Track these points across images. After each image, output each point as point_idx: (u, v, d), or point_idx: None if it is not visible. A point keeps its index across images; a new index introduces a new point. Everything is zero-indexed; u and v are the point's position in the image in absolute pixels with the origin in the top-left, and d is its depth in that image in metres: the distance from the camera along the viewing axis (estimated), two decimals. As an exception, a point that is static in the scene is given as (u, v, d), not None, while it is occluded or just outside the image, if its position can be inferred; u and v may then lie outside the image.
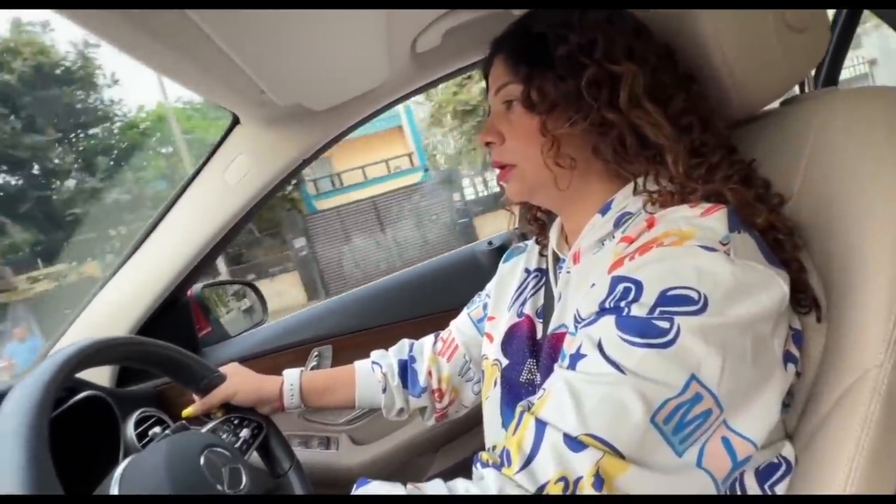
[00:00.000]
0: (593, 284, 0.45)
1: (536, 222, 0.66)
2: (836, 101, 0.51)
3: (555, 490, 0.35)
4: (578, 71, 0.47)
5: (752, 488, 0.43)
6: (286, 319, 1.14)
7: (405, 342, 0.78)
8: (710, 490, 0.38)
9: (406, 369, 0.75)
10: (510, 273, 0.68)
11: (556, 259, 0.60)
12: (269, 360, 1.04)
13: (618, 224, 0.50)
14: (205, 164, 0.83)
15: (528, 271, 0.65)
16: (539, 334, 0.58)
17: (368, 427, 1.08)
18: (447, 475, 0.40)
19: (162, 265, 0.88)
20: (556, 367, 0.43)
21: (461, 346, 0.73)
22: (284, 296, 8.91)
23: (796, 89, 0.65)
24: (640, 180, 0.49)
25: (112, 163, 10.69)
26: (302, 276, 9.49)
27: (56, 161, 10.22)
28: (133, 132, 10.93)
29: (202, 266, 0.93)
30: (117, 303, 0.89)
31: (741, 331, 0.38)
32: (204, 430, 0.64)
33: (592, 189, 0.53)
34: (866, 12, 1.21)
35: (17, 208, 9.66)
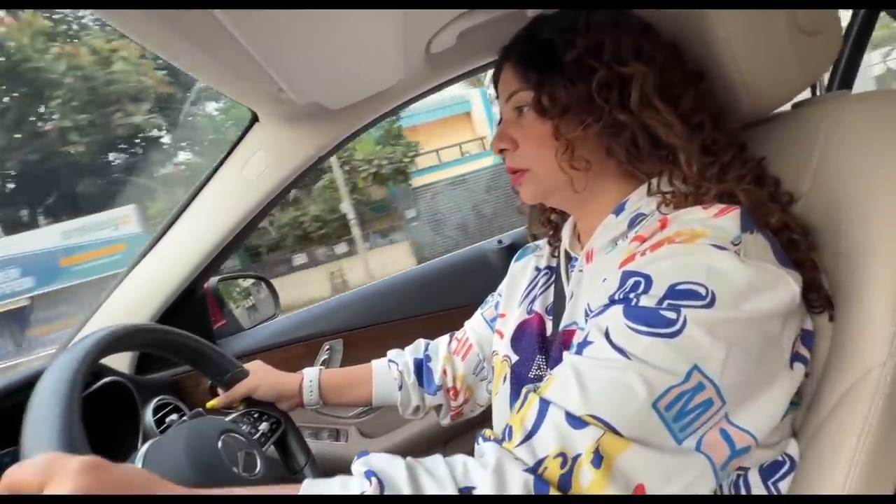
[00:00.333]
0: (605, 279, 0.46)
1: (550, 224, 0.67)
2: (848, 103, 0.52)
3: (552, 465, 0.36)
4: (588, 74, 0.48)
5: (756, 485, 0.44)
6: (299, 313, 1.16)
7: (421, 342, 0.80)
8: (708, 473, 0.38)
9: (422, 367, 0.76)
10: (521, 271, 0.69)
11: (568, 258, 0.61)
12: (281, 352, 1.07)
13: (632, 224, 0.50)
14: (224, 160, 0.86)
15: (538, 269, 0.66)
16: (549, 331, 0.59)
17: (377, 420, 1.10)
18: None
19: (181, 258, 0.91)
20: (563, 354, 0.44)
21: (475, 346, 0.74)
22: (398, 263, 9.17)
23: (808, 92, 0.65)
24: (654, 181, 0.50)
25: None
26: (412, 244, 9.90)
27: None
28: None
29: (219, 259, 0.95)
30: (138, 293, 0.91)
31: (748, 327, 0.39)
32: (226, 420, 0.66)
33: (606, 190, 0.53)
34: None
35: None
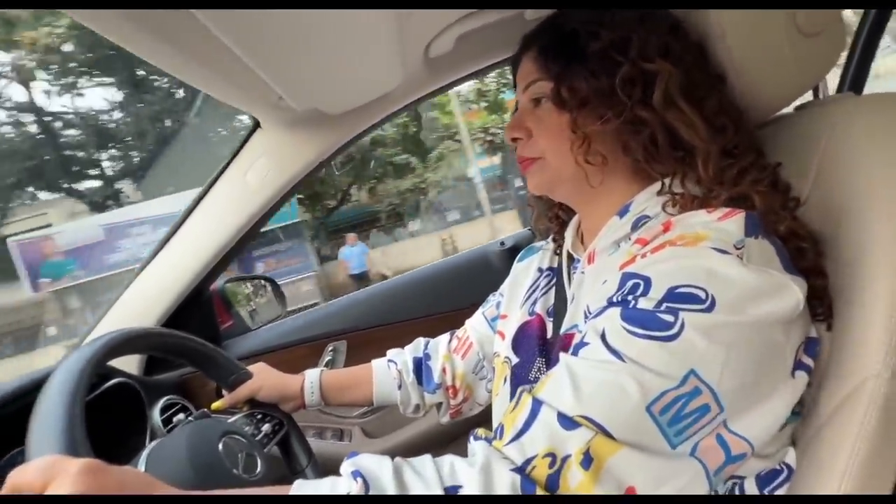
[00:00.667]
0: (605, 281, 0.46)
1: (557, 220, 0.66)
2: (852, 106, 0.51)
3: (541, 465, 0.36)
4: (612, 68, 0.47)
5: (752, 492, 0.44)
6: (304, 314, 1.18)
7: (420, 340, 0.80)
8: (701, 478, 0.38)
9: (421, 366, 0.77)
10: (524, 272, 0.69)
11: (570, 260, 0.61)
12: (286, 353, 1.08)
13: (635, 227, 0.50)
14: (227, 166, 0.87)
15: (540, 270, 0.66)
16: (549, 333, 0.59)
17: (380, 421, 1.11)
18: None
19: (187, 261, 0.93)
20: (560, 355, 0.44)
21: (475, 344, 0.74)
22: (506, 230, 9.47)
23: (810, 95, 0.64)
24: (666, 181, 0.49)
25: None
26: (519, 212, 10.26)
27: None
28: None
29: (225, 262, 0.97)
30: (146, 296, 0.94)
31: (748, 333, 0.38)
32: (229, 421, 0.68)
33: (615, 187, 0.53)
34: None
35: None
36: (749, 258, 0.40)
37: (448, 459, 0.39)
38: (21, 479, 0.36)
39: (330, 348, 1.11)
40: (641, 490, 0.36)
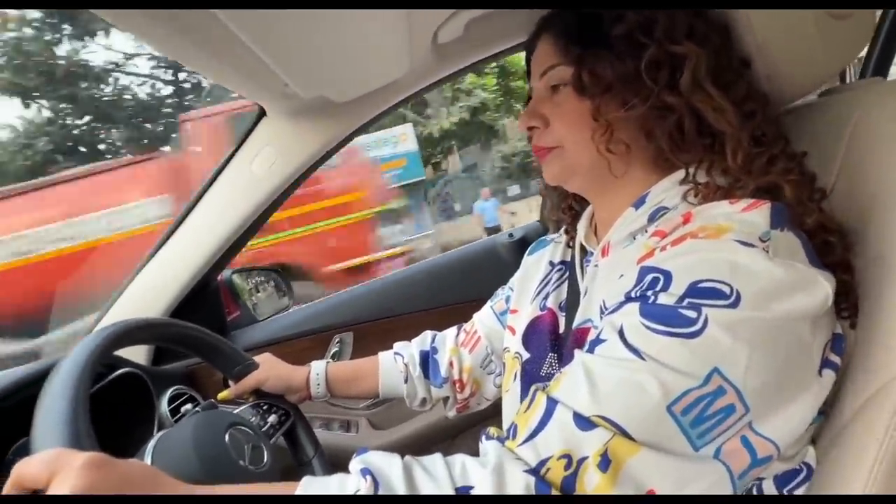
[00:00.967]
0: (622, 276, 0.44)
1: (570, 211, 0.64)
2: (881, 90, 0.49)
3: (556, 466, 0.35)
4: (637, 51, 0.45)
5: (770, 492, 0.42)
6: (310, 306, 1.17)
7: (427, 333, 0.79)
8: (725, 482, 0.37)
9: (427, 360, 0.76)
10: (534, 266, 0.67)
11: (583, 252, 0.59)
12: (292, 344, 1.08)
13: (652, 219, 0.48)
14: (232, 155, 0.86)
15: (552, 264, 0.64)
16: (562, 328, 0.57)
17: (387, 413, 1.11)
18: None
19: (194, 251, 0.92)
20: (575, 352, 0.43)
21: (483, 339, 0.73)
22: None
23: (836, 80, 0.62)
24: (690, 169, 0.47)
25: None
26: None
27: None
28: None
29: (231, 252, 0.97)
30: (153, 286, 0.93)
31: (774, 329, 0.36)
32: (235, 412, 0.68)
33: (633, 177, 0.51)
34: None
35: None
36: (775, 251, 0.38)
37: (459, 459, 0.38)
38: (25, 471, 0.35)
39: (336, 340, 1.10)
40: (661, 493, 0.35)
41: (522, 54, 0.61)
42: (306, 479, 0.38)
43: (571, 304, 0.57)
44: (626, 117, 0.47)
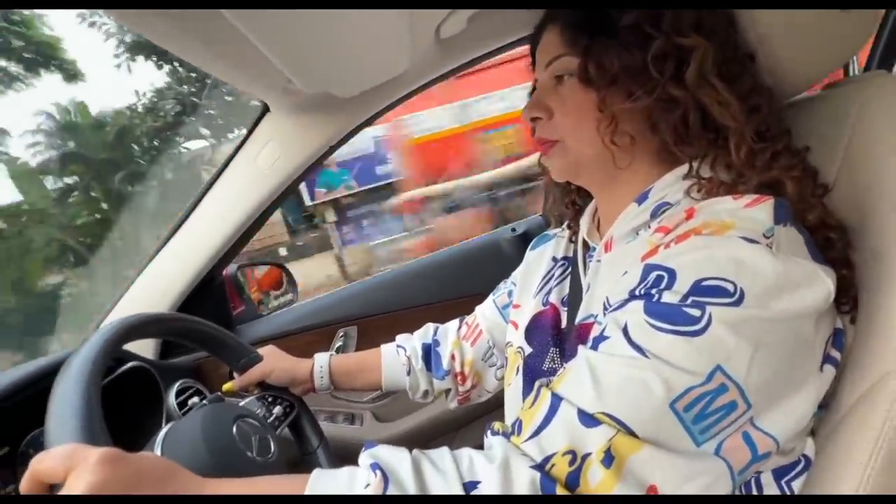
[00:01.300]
0: (625, 272, 0.44)
1: (573, 206, 0.64)
2: (884, 83, 0.48)
3: (561, 462, 0.36)
4: (644, 42, 0.45)
5: (769, 483, 0.43)
6: (315, 300, 1.18)
7: (430, 326, 0.80)
8: (725, 478, 0.37)
9: (430, 352, 0.76)
10: (537, 261, 0.67)
11: (586, 248, 0.59)
12: (297, 338, 1.09)
13: (655, 214, 0.48)
14: (237, 150, 0.87)
15: (555, 259, 0.64)
16: (564, 323, 0.58)
17: (391, 406, 1.12)
18: None
19: (199, 246, 0.93)
20: (579, 348, 0.43)
21: (485, 332, 0.74)
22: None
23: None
24: (694, 164, 0.47)
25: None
26: None
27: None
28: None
29: (237, 247, 0.97)
30: (159, 282, 0.94)
31: (778, 327, 0.36)
32: (240, 404, 0.69)
33: (637, 171, 0.51)
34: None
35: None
36: (778, 247, 0.38)
37: (467, 454, 0.39)
38: (42, 466, 0.36)
39: (341, 334, 1.11)
40: (663, 489, 0.35)
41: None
42: (316, 473, 0.38)
43: (574, 300, 0.57)
44: (630, 109, 0.47)
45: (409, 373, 0.75)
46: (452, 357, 0.74)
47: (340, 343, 1.11)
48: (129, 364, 0.78)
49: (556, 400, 0.38)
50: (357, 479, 0.37)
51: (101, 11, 0.50)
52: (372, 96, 0.83)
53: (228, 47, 0.54)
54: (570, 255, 0.63)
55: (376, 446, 0.40)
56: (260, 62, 0.56)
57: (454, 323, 0.79)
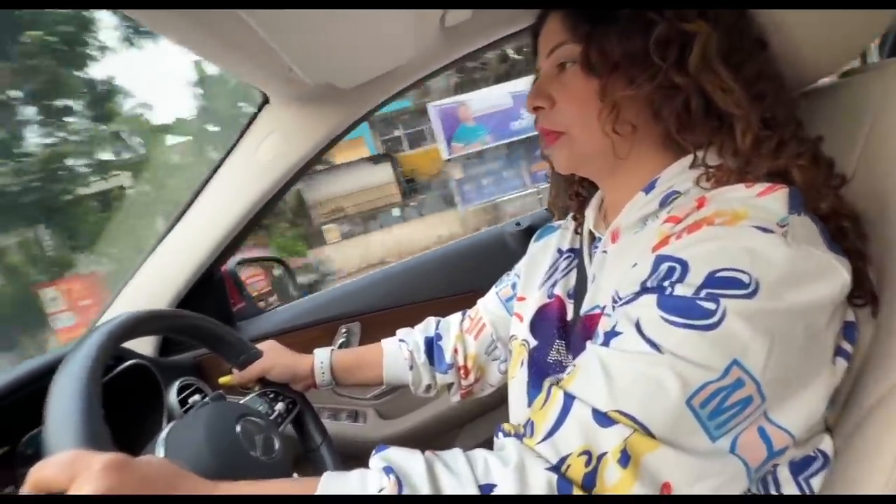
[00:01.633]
0: (635, 264, 0.43)
1: (577, 198, 0.63)
2: None
3: (576, 463, 0.35)
4: (646, 28, 0.44)
5: (786, 480, 0.42)
6: (316, 296, 1.17)
7: (431, 320, 0.79)
8: (741, 477, 0.36)
9: (432, 346, 0.75)
10: (541, 252, 0.66)
11: (592, 239, 0.58)
12: (298, 335, 1.08)
13: (664, 203, 0.47)
14: (236, 143, 0.85)
15: (560, 251, 0.63)
16: (570, 315, 0.57)
17: (395, 403, 1.11)
18: None
19: (198, 242, 0.92)
20: (588, 344, 0.42)
21: (489, 325, 0.73)
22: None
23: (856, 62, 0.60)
24: (699, 153, 0.46)
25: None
26: None
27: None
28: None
29: (236, 242, 0.96)
30: (157, 278, 0.93)
31: (793, 319, 0.36)
32: (242, 401, 0.67)
33: (643, 160, 0.50)
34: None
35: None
36: (794, 237, 0.37)
37: (481, 455, 0.38)
38: (44, 474, 0.35)
39: (343, 330, 1.10)
40: (677, 487, 0.34)
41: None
42: (327, 476, 0.37)
43: (580, 292, 0.56)
44: (632, 97, 0.46)
45: (411, 367, 0.74)
46: (455, 351, 0.73)
47: (343, 339, 1.10)
48: (129, 362, 0.77)
49: (569, 399, 0.37)
50: (369, 482, 0.36)
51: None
52: (374, 87, 0.81)
53: (229, 36, 0.52)
54: (576, 246, 0.62)
55: (387, 449, 0.39)
56: (261, 51, 0.55)
57: (456, 316, 0.78)
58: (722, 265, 0.36)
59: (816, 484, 0.42)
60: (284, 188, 0.89)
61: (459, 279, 1.12)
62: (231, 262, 1.10)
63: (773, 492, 0.42)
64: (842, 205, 0.44)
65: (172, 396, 0.78)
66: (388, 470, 0.36)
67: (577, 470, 0.35)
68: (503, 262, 0.82)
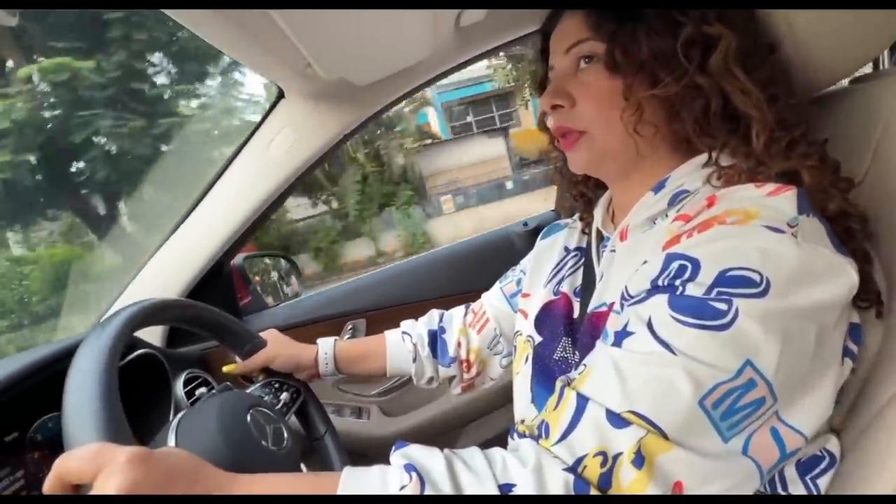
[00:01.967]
0: (645, 262, 0.43)
1: (582, 198, 0.63)
2: None
3: (592, 464, 0.35)
4: (674, 28, 0.44)
5: (793, 480, 0.42)
6: (323, 292, 1.17)
7: (435, 312, 0.79)
8: (755, 478, 0.37)
9: (436, 340, 0.76)
10: (548, 250, 0.66)
11: (600, 238, 0.58)
12: (304, 330, 1.08)
13: (673, 202, 0.47)
14: (250, 137, 0.85)
15: (567, 249, 0.63)
16: (576, 313, 0.57)
17: (398, 400, 1.11)
18: None
19: (207, 236, 0.92)
20: (598, 343, 0.42)
21: (492, 320, 0.73)
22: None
23: (869, 67, 0.61)
24: (713, 153, 0.46)
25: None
26: None
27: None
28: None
29: (245, 237, 0.96)
30: (166, 271, 0.93)
31: (804, 319, 0.36)
32: (248, 391, 0.68)
33: (655, 161, 0.50)
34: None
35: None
36: (804, 237, 0.37)
37: (499, 455, 0.38)
38: (68, 467, 0.35)
39: (349, 326, 1.10)
40: (689, 485, 0.35)
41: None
42: (347, 473, 0.37)
43: (587, 290, 0.56)
44: (654, 97, 0.46)
45: (414, 360, 0.75)
46: (458, 344, 0.74)
47: (349, 335, 1.10)
48: (141, 351, 0.77)
49: (583, 400, 0.37)
50: (390, 479, 0.36)
51: None
52: (388, 84, 0.82)
53: (250, 28, 0.53)
54: (584, 245, 0.62)
55: (407, 446, 0.39)
56: (280, 45, 0.56)
57: (459, 310, 0.78)
58: (733, 264, 0.36)
59: (823, 484, 0.42)
60: (295, 183, 0.90)
61: (466, 278, 1.12)
62: (238, 257, 1.10)
63: (781, 491, 0.42)
64: (849, 206, 0.44)
65: (179, 388, 0.78)
66: (410, 468, 0.36)
67: (593, 470, 0.35)
68: (510, 263, 0.83)
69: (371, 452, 1.06)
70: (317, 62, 0.61)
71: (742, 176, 0.44)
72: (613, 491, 0.34)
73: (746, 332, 0.35)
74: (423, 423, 1.08)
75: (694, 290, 0.37)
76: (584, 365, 0.41)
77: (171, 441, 0.51)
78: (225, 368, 0.73)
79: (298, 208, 10.46)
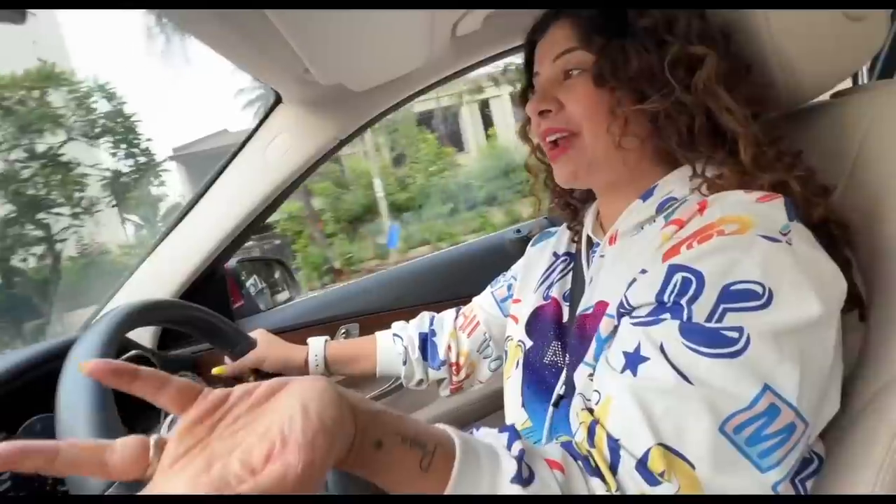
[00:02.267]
0: (644, 270, 0.44)
1: (568, 208, 0.65)
2: (894, 93, 0.49)
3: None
4: (660, 47, 0.46)
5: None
6: (317, 296, 1.17)
7: (426, 315, 0.80)
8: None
9: (426, 342, 0.77)
10: (538, 256, 0.68)
11: (590, 244, 0.59)
12: (297, 334, 1.07)
13: (661, 209, 0.49)
14: (246, 141, 0.86)
15: (556, 255, 0.64)
16: (565, 317, 0.58)
17: (393, 404, 1.11)
18: None
19: (202, 239, 0.92)
20: (608, 368, 0.41)
21: (482, 324, 0.74)
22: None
23: (848, 82, 0.63)
24: (698, 165, 0.47)
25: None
26: None
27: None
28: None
29: (239, 241, 0.96)
30: (160, 273, 0.93)
31: (814, 332, 0.37)
32: None
33: (642, 172, 0.51)
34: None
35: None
36: (798, 244, 0.39)
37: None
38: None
39: (342, 330, 1.10)
40: None
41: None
42: (459, 460, 0.33)
43: (576, 295, 0.57)
44: (639, 112, 0.47)
45: (405, 362, 0.76)
46: (448, 348, 0.75)
47: (342, 339, 1.10)
48: (133, 352, 0.77)
49: (614, 446, 0.37)
50: (502, 473, 0.34)
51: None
52: (384, 91, 0.83)
53: (248, 32, 0.54)
54: (573, 251, 0.63)
55: (519, 439, 0.36)
56: (278, 50, 0.57)
57: (450, 313, 0.79)
58: (735, 277, 0.37)
59: (810, 485, 0.43)
60: (291, 187, 0.90)
61: (459, 284, 1.12)
62: (231, 261, 1.10)
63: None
64: (832, 212, 0.46)
65: (171, 390, 0.77)
66: (521, 457, 0.34)
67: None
68: (502, 269, 0.84)
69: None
70: (315, 67, 0.62)
71: (731, 186, 0.45)
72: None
73: (760, 356, 0.35)
74: (415, 428, 1.07)
75: (701, 312, 0.37)
76: (598, 392, 0.41)
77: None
78: (215, 371, 0.73)
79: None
